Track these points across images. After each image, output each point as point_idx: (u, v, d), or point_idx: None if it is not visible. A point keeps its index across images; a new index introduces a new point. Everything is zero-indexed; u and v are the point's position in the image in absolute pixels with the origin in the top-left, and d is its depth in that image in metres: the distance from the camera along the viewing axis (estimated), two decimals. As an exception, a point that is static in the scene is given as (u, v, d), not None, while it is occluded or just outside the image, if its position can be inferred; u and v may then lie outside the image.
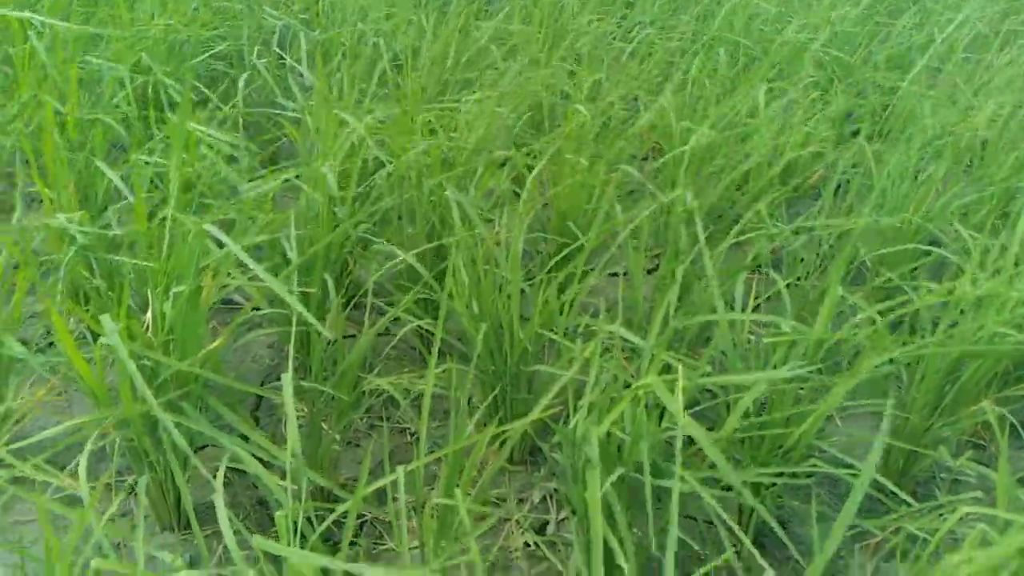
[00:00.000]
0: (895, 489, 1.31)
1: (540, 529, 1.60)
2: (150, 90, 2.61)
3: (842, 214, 2.34)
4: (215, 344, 1.35)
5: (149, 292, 1.47)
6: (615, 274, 2.34)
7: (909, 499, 1.33)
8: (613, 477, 1.17)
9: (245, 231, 1.73)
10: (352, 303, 2.20)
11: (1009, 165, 2.26)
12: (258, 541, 0.83)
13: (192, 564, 1.45)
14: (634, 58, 3.07)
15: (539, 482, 1.70)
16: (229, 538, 1.14)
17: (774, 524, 1.02)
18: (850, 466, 1.71)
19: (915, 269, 2.12)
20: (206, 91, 2.66)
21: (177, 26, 2.77)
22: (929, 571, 1.08)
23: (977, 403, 1.58)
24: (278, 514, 1.10)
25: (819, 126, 2.41)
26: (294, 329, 1.46)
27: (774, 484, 1.54)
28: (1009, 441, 1.84)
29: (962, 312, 1.69)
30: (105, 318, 1.34)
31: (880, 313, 1.53)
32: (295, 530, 1.46)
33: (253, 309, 2.01)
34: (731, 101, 2.45)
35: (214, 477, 1.68)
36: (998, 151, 2.35)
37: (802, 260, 1.97)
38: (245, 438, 1.75)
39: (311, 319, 1.11)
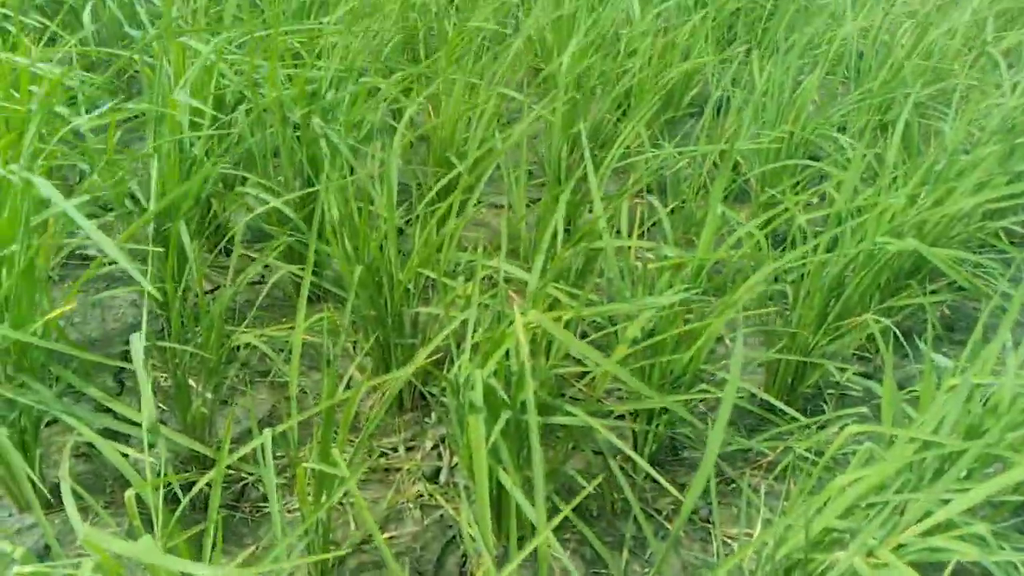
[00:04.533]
0: (779, 404, 1.30)
1: (433, 476, 1.54)
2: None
3: (724, 132, 2.31)
4: (53, 315, 1.21)
5: (-28, 253, 1.30)
6: (499, 205, 2.26)
7: (795, 413, 1.32)
8: (500, 424, 1.11)
9: (85, 183, 1.56)
10: (220, 249, 2.05)
11: (883, 75, 2.26)
12: (87, 534, 0.72)
13: (45, 549, 1.33)
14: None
15: (430, 428, 1.63)
16: (77, 525, 1.03)
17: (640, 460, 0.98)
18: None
19: (798, 184, 2.11)
20: (46, 21, 2.40)
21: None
22: (817, 492, 1.06)
23: (862, 316, 1.59)
24: (127, 493, 0.99)
25: (698, 40, 2.35)
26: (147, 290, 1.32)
27: (665, 412, 1.52)
28: (893, 350, 1.87)
29: (840, 224, 1.69)
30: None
31: (760, 229, 1.50)
32: (161, 500, 1.35)
33: (107, 263, 1.84)
34: (606, 11, 2.36)
35: (74, 450, 1.54)
36: (872, 61, 2.35)
37: (686, 181, 1.93)
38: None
39: (145, 284, 0.99)
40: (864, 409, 1.26)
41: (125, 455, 1.28)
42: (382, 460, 1.56)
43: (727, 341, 1.78)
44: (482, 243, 2.09)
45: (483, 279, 1.71)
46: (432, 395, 1.69)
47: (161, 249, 1.55)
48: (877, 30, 2.40)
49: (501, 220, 1.95)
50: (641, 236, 1.88)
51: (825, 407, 1.66)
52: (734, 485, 1.52)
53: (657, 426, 1.51)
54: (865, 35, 2.46)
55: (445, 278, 1.56)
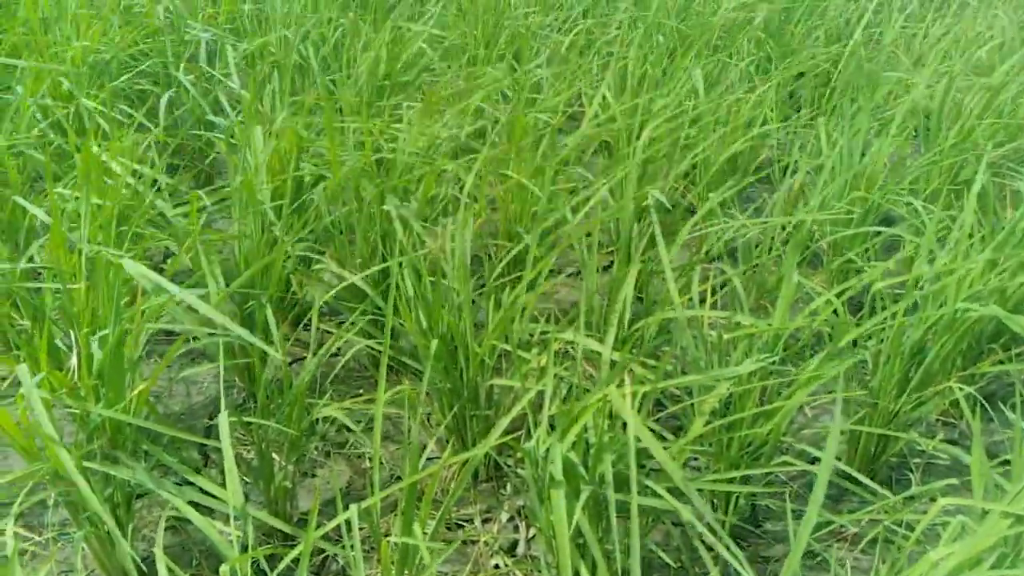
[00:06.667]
0: (863, 479, 1.28)
1: (510, 549, 1.54)
2: (72, 116, 2.48)
3: (793, 196, 2.30)
4: (139, 388, 1.26)
5: (72, 334, 1.37)
6: (570, 273, 2.28)
7: (880, 489, 1.29)
8: (582, 500, 1.11)
9: (175, 263, 1.63)
10: (300, 323, 2.11)
11: (953, 136, 2.24)
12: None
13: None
14: (573, 49, 3.01)
15: (506, 500, 1.63)
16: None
17: (725, 537, 0.97)
18: (818, 460, 1.67)
19: (867, 249, 2.09)
20: (132, 112, 2.54)
21: (96, 47, 2.65)
22: (908, 567, 1.03)
23: (944, 382, 1.55)
24: (223, 568, 1.02)
25: (762, 108, 2.37)
26: (222, 363, 1.38)
27: (746, 480, 1.49)
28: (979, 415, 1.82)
29: (920, 288, 1.66)
30: (22, 368, 1.24)
31: (837, 296, 1.49)
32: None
33: (187, 340, 1.91)
34: (669, 86, 2.41)
35: (163, 523, 1.59)
36: (944, 122, 2.33)
37: (758, 247, 1.93)
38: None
39: (254, 340, 1.03)
40: (953, 480, 1.22)
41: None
42: (459, 532, 1.57)
43: (806, 410, 1.75)
44: (553, 311, 2.11)
45: (556, 350, 1.73)
46: (508, 466, 1.70)
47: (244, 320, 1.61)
48: (946, 91, 2.39)
49: (571, 288, 1.98)
50: (714, 304, 1.88)
51: (911, 475, 1.61)
52: (820, 558, 1.48)
53: (737, 498, 1.48)
54: (931, 97, 2.45)
55: (519, 350, 1.58)
